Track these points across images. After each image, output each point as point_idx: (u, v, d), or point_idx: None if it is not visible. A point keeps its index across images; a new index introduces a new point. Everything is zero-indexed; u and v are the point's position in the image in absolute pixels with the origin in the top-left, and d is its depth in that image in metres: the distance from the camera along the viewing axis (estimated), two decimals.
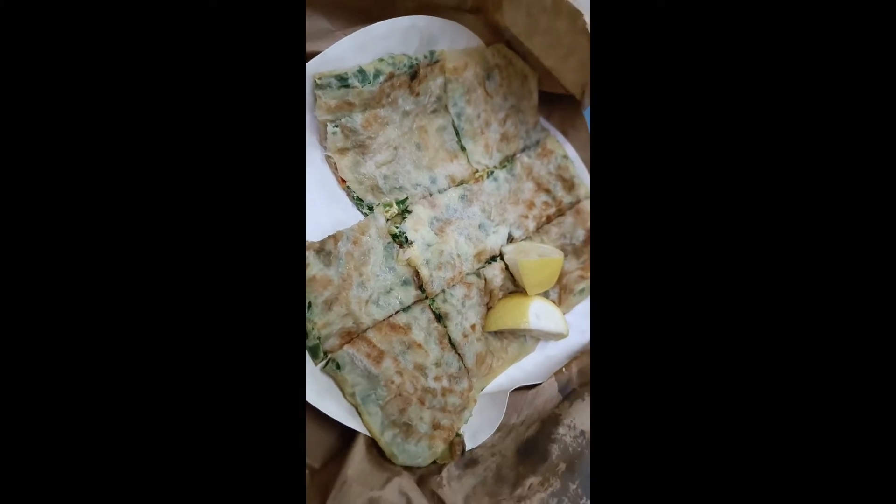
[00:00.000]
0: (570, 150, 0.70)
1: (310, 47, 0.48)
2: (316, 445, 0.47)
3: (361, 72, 0.49)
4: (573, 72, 0.59)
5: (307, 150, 0.52)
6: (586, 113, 0.70)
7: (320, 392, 0.45)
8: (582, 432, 0.48)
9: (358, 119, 0.51)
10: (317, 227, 0.50)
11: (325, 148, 0.52)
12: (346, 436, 0.48)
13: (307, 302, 0.45)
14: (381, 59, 0.51)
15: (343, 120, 0.51)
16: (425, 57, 0.55)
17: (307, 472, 0.45)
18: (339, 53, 0.48)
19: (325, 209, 0.52)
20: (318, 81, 0.47)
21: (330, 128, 0.50)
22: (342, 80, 0.48)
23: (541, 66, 0.65)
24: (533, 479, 0.46)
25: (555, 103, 0.71)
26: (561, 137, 0.71)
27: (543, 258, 0.58)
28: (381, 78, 0.51)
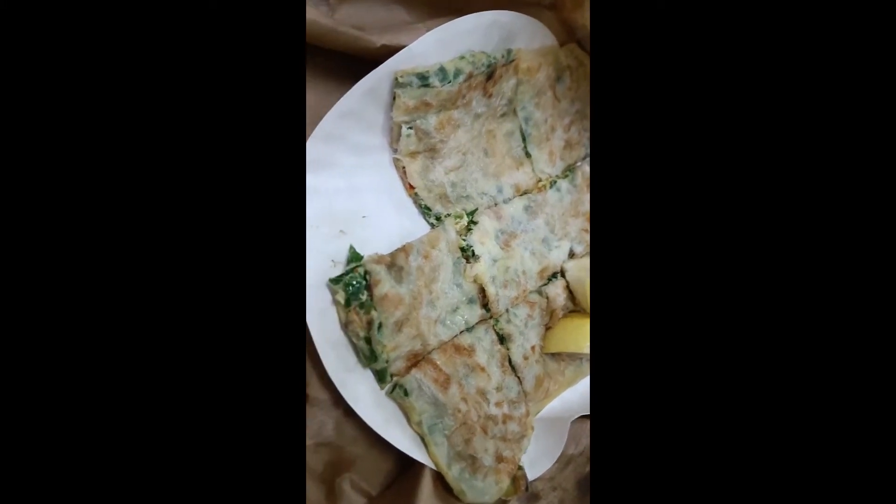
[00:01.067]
0: None
1: (387, 39, 0.43)
2: (374, 472, 0.44)
3: (442, 70, 0.45)
4: None
5: (376, 153, 0.47)
6: None
7: (387, 419, 0.42)
8: None
9: (432, 121, 0.47)
10: (384, 237, 0.46)
11: (394, 150, 0.48)
12: (404, 461, 0.46)
13: (377, 324, 0.41)
14: (462, 57, 0.47)
15: (418, 122, 0.46)
16: (502, 56, 0.51)
17: (366, 499, 0.42)
18: (423, 49, 0.43)
19: (393, 217, 0.48)
20: (400, 80, 0.43)
21: (404, 130, 0.46)
22: (423, 79, 0.44)
23: None
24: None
25: None
26: None
27: None
28: (461, 77, 0.46)
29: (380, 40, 0.42)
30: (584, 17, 0.56)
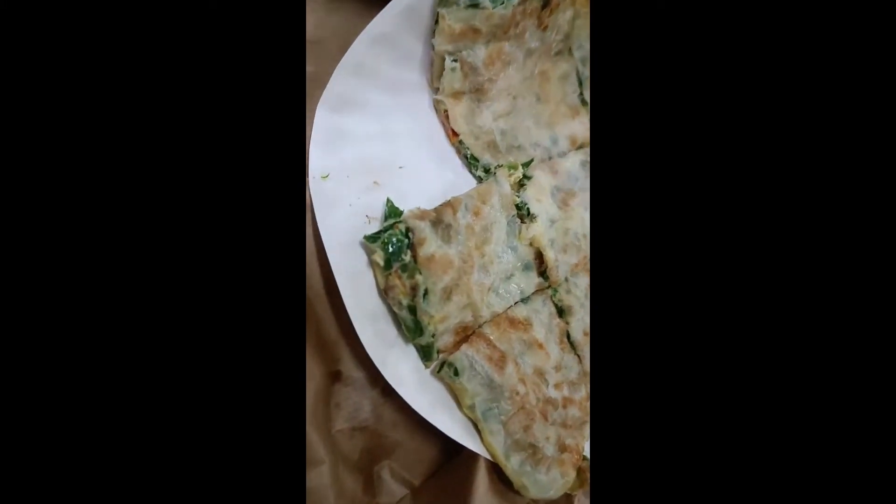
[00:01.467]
0: None
1: None
2: (417, 460, 0.38)
3: None
4: None
5: (414, 92, 0.40)
6: None
7: (433, 403, 0.36)
8: None
9: (481, 53, 0.40)
10: (424, 191, 0.40)
11: (435, 91, 0.41)
12: (450, 448, 0.40)
13: (423, 290, 0.35)
14: None
15: (464, 53, 0.39)
16: None
17: (408, 490, 0.37)
18: None
19: (434, 169, 0.41)
20: None
21: (448, 62, 0.39)
22: None
23: None
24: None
25: None
26: None
27: None
28: None
29: None
30: None
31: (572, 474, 0.38)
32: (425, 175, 0.41)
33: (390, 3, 0.35)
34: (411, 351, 0.37)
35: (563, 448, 0.39)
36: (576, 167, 0.48)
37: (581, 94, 0.51)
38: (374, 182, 0.38)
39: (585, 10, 0.48)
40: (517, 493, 0.36)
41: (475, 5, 0.37)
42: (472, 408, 0.36)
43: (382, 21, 0.35)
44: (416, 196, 0.39)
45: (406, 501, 0.37)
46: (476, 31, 0.38)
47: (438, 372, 0.37)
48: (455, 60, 0.39)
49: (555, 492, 0.36)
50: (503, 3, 0.38)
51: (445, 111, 0.41)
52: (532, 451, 0.37)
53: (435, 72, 0.40)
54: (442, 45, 0.38)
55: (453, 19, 0.36)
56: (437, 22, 0.37)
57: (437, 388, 0.37)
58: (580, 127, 0.50)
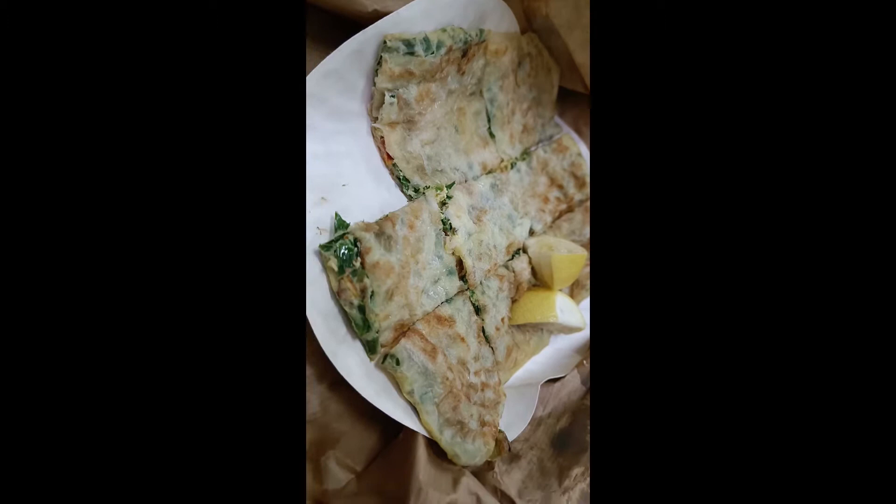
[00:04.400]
0: (583, 149, 0.72)
1: (379, 5, 0.42)
2: (358, 448, 0.43)
3: (426, 40, 0.45)
4: None
5: (354, 120, 0.46)
6: None
7: (378, 391, 0.41)
8: None
9: (413, 91, 0.47)
10: (364, 206, 0.45)
11: (373, 119, 0.47)
12: (387, 435, 0.45)
13: (370, 292, 0.40)
14: (444, 30, 0.47)
15: (401, 90, 0.46)
16: (476, 34, 0.52)
17: (353, 475, 0.41)
18: (410, 15, 0.43)
19: (372, 186, 0.47)
20: (388, 43, 0.42)
21: (388, 98, 0.45)
22: (409, 47, 0.43)
23: (567, 62, 0.65)
24: (576, 470, 0.47)
25: (569, 102, 0.72)
26: (574, 135, 0.72)
27: (573, 254, 0.59)
28: (443, 50, 0.47)
29: (372, 5, 0.41)
30: (546, 7, 0.60)
31: (492, 443, 0.46)
32: (365, 192, 0.46)
33: (342, 45, 0.40)
34: (358, 346, 0.42)
35: (483, 423, 0.47)
36: (486, 188, 0.58)
37: (489, 128, 0.61)
38: (322, 198, 0.42)
39: (495, 60, 0.58)
40: (451, 462, 0.42)
41: (412, 53, 0.44)
42: (411, 393, 0.42)
43: (335, 58, 0.40)
44: (358, 210, 0.45)
45: (351, 486, 0.41)
46: (411, 73, 0.45)
47: (383, 363, 0.42)
48: (393, 96, 0.45)
49: (480, 458, 0.44)
50: (433, 53, 0.46)
51: (382, 137, 0.47)
52: (460, 427, 0.44)
53: (375, 104, 0.46)
54: (383, 82, 0.44)
55: (393, 63, 0.43)
56: (379, 64, 0.43)
57: (381, 378, 0.42)
58: (489, 155, 0.60)
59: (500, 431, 0.48)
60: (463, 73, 0.53)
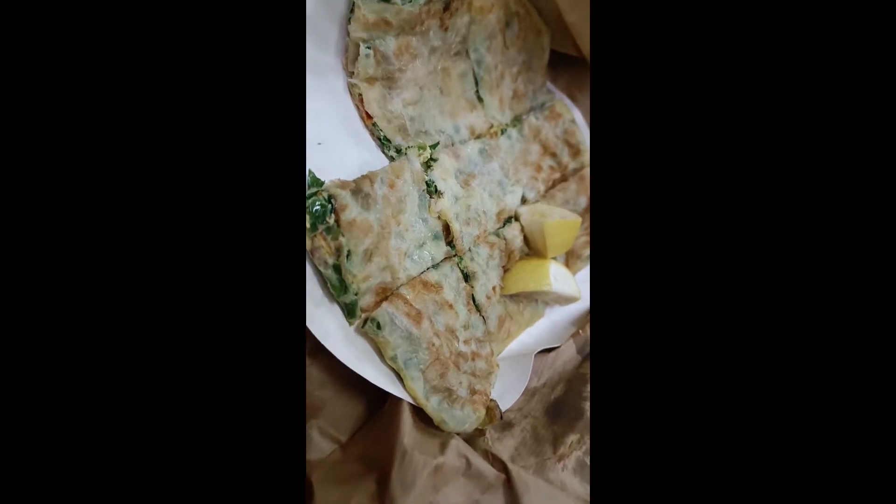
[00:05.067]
0: (577, 115, 0.69)
1: None
2: (343, 417, 0.41)
3: None
4: None
5: (330, 75, 0.43)
6: None
7: (359, 356, 0.39)
8: None
9: (391, 44, 0.44)
10: (341, 167, 0.43)
11: (349, 74, 0.44)
12: (374, 405, 0.43)
13: (346, 251, 0.38)
14: None
15: (377, 42, 0.43)
16: None
17: (337, 445, 0.39)
18: None
19: (351, 147, 0.44)
20: None
21: (363, 48, 0.42)
22: None
23: (558, 23, 0.63)
24: (572, 437, 0.45)
25: (561, 66, 0.69)
26: (568, 101, 0.69)
27: (566, 219, 0.56)
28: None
29: None
30: None
31: (483, 411, 0.44)
32: (343, 152, 0.44)
33: None
34: (336, 310, 0.40)
35: (473, 391, 0.45)
36: (475, 153, 0.55)
37: (477, 91, 0.59)
38: None
39: (480, 17, 0.55)
40: (437, 428, 0.40)
41: (387, 0, 0.41)
42: (394, 358, 0.40)
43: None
44: (336, 170, 0.42)
45: (336, 455, 0.39)
46: (388, 23, 0.43)
47: (363, 327, 0.40)
48: (369, 48, 0.43)
49: (469, 425, 0.42)
50: (411, 1, 0.43)
51: (360, 94, 0.45)
52: (448, 393, 0.42)
53: (350, 56, 0.43)
54: (357, 31, 0.41)
55: (367, 10, 0.41)
56: (352, 10, 0.41)
57: (362, 343, 0.40)
58: (477, 119, 0.58)
59: (492, 400, 0.46)
60: (446, 30, 0.50)
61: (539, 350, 0.53)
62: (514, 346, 0.57)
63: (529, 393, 0.51)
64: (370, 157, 0.46)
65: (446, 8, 0.49)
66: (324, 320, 0.38)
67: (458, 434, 0.41)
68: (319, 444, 0.39)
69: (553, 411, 0.48)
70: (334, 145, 0.43)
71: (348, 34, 0.42)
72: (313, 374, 0.40)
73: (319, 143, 0.42)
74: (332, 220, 0.38)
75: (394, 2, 0.42)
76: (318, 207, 0.37)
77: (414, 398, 0.40)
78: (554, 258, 0.60)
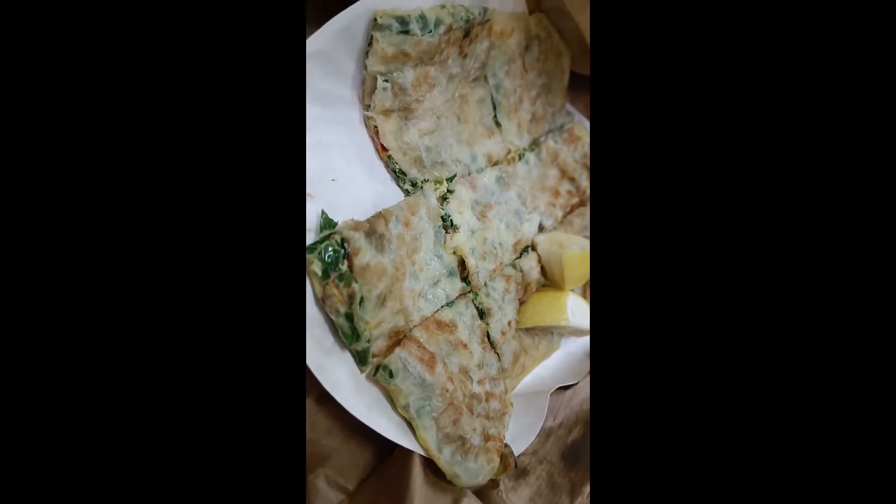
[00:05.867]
0: None
1: None
2: (351, 465, 0.39)
3: (423, 17, 0.41)
4: None
5: (345, 108, 0.42)
6: None
7: (370, 406, 0.37)
8: None
9: (409, 76, 0.43)
10: (356, 202, 0.41)
11: (366, 107, 0.43)
12: (382, 452, 0.41)
13: (359, 297, 0.36)
14: (443, 6, 0.43)
15: (395, 75, 0.41)
16: (479, 13, 0.48)
17: (344, 495, 0.38)
18: None
19: (365, 181, 0.43)
20: (379, 20, 0.38)
21: (380, 82, 0.41)
22: (403, 24, 0.39)
23: (579, 44, 0.61)
24: (589, 486, 0.43)
25: (580, 87, 0.67)
26: (587, 123, 0.67)
27: (584, 251, 0.54)
28: (441, 29, 0.42)
29: None
30: None
31: (497, 460, 0.42)
32: (357, 187, 0.42)
33: (328, 23, 0.36)
34: (347, 357, 0.38)
35: (487, 438, 0.43)
36: (492, 182, 0.53)
37: (495, 116, 0.57)
38: (308, 193, 0.38)
39: (500, 42, 0.53)
40: (450, 483, 0.39)
41: (406, 32, 0.40)
42: (406, 407, 0.39)
43: (320, 38, 0.36)
44: (349, 207, 0.41)
45: None
46: (406, 55, 0.41)
47: (374, 375, 0.39)
48: (386, 81, 0.41)
49: (483, 478, 0.40)
50: (430, 32, 0.41)
51: (375, 127, 0.43)
52: (461, 443, 0.40)
53: (367, 89, 0.42)
54: (375, 65, 0.40)
55: (385, 43, 0.39)
56: (370, 44, 0.39)
57: (373, 391, 0.39)
58: (495, 146, 0.56)
59: (506, 445, 0.44)
60: (465, 56, 0.49)
61: (555, 388, 0.51)
62: (528, 379, 0.55)
63: (545, 434, 0.49)
64: (384, 190, 0.44)
65: (466, 35, 0.47)
66: (334, 369, 0.36)
67: (470, 487, 0.39)
68: (326, 494, 0.37)
69: (570, 456, 0.46)
70: (348, 180, 0.42)
71: (365, 67, 0.40)
72: (320, 421, 0.38)
73: (333, 180, 0.41)
74: (344, 267, 0.36)
75: (413, 33, 0.40)
76: (330, 253, 0.35)
77: (426, 450, 0.39)
78: (571, 290, 0.58)
